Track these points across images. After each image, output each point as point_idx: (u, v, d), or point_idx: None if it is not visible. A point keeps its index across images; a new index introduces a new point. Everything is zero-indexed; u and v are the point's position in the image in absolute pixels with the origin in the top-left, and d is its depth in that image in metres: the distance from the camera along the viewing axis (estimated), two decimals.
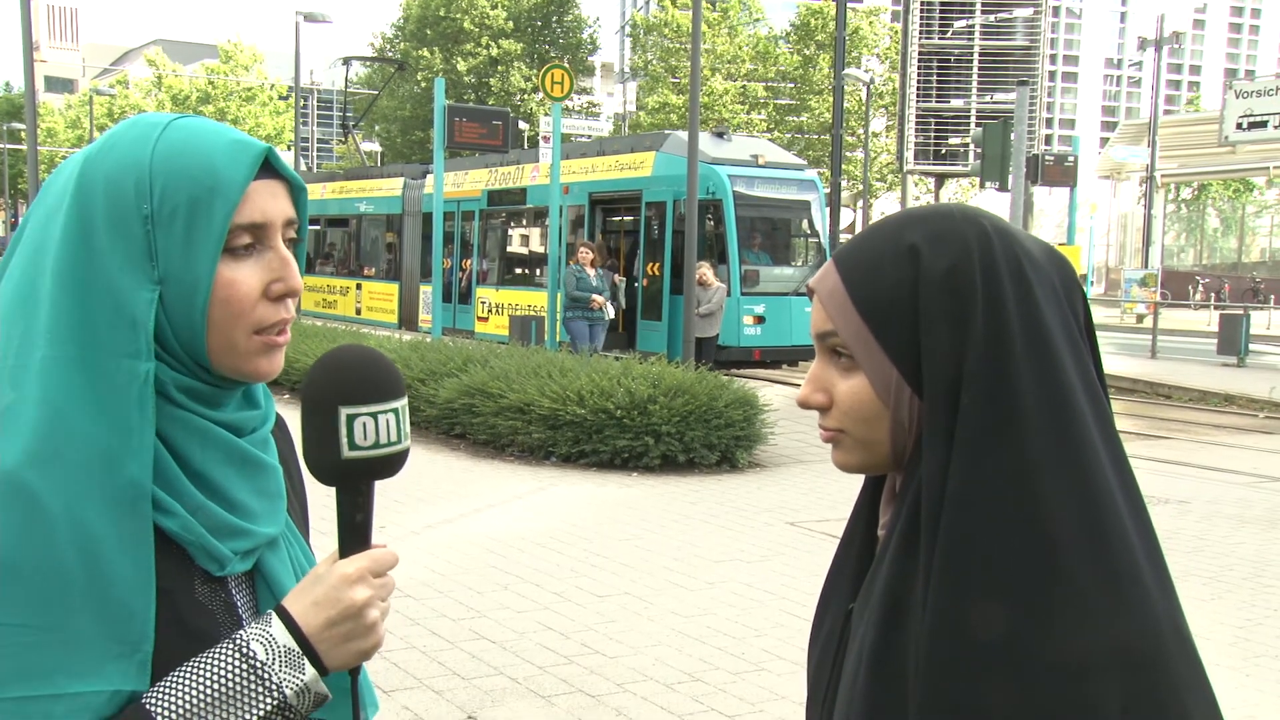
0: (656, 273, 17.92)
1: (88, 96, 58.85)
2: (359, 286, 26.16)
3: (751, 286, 17.07)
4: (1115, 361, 19.48)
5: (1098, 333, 1.09)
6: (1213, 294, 38.70)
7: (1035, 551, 0.95)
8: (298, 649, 1.08)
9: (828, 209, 19.85)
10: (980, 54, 30.94)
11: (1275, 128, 30.10)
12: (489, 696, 4.60)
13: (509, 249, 22.33)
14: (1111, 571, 0.96)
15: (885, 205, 51.30)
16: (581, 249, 15.34)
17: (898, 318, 1.02)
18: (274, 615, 1.10)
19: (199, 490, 1.11)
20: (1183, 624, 0.99)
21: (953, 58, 31.22)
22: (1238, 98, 31.04)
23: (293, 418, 1.16)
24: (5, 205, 58.17)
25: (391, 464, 1.13)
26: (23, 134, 49.52)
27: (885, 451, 1.07)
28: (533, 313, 18.57)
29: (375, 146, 54.44)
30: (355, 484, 1.14)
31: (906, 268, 1.02)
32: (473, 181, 22.80)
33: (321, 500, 1.23)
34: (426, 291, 21.41)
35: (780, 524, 7.78)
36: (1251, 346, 20.46)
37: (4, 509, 1.01)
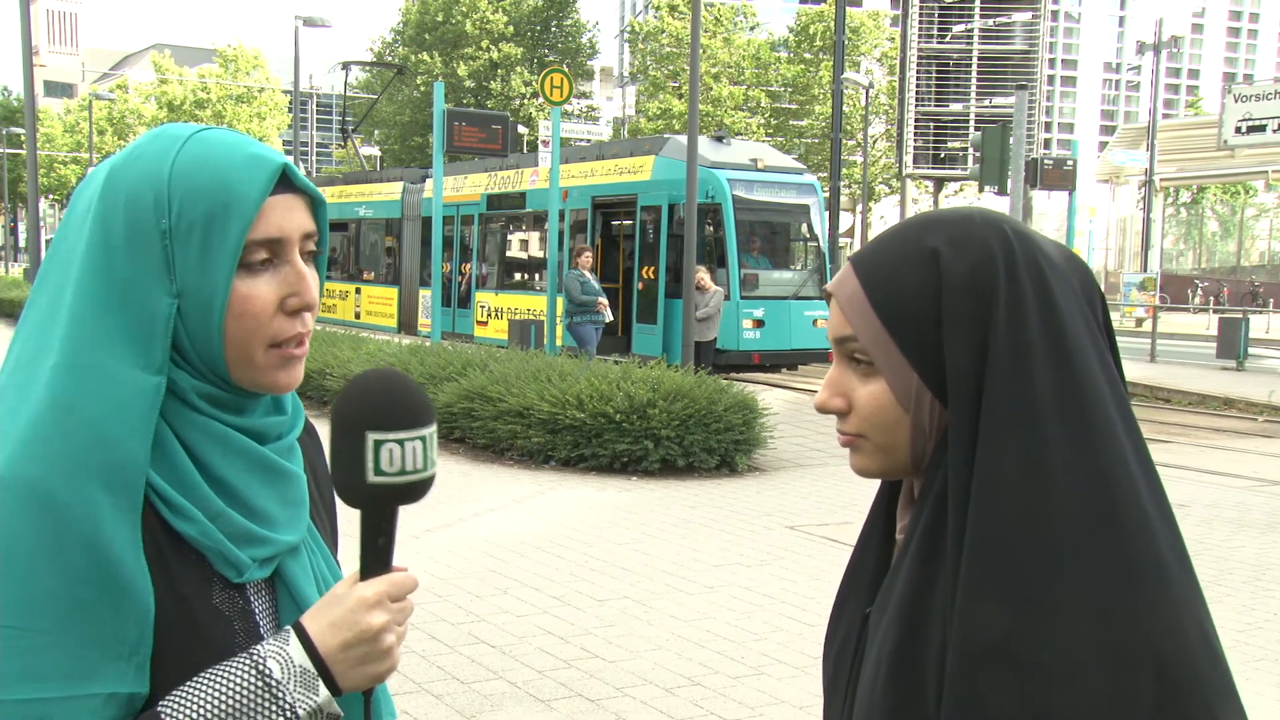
0: (653, 276, 17.94)
1: (87, 101, 58.84)
2: (358, 291, 26.18)
3: (751, 290, 17.09)
4: None
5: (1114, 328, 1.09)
6: (1211, 298, 38.70)
7: (1057, 552, 0.95)
8: (313, 669, 1.09)
9: (827, 213, 19.86)
10: (979, 58, 30.99)
11: (1274, 131, 30.11)
12: (488, 701, 4.60)
13: (508, 253, 22.34)
14: (1135, 573, 0.96)
15: (885, 209, 51.35)
16: (585, 253, 15.37)
17: (919, 322, 1.02)
18: (292, 633, 1.10)
19: (219, 496, 1.12)
20: (1209, 624, 0.99)
21: (952, 62, 31.28)
22: (1236, 102, 31.06)
23: (319, 427, 1.16)
24: (5, 210, 58.17)
25: (416, 491, 1.13)
26: (22, 138, 49.55)
27: (904, 456, 1.07)
28: (532, 317, 18.58)
29: (374, 151, 54.45)
30: (379, 508, 1.14)
31: (927, 272, 1.02)
32: (472, 186, 22.82)
33: (347, 509, 1.23)
34: (426, 296, 21.43)
35: (780, 528, 7.78)
36: (1250, 350, 20.45)
37: (7, 510, 1.02)
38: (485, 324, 21.91)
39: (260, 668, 1.08)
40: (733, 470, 9.81)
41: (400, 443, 1.11)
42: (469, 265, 22.92)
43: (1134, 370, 18.69)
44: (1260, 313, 33.47)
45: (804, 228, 18.61)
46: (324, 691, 1.09)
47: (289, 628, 1.11)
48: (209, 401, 1.13)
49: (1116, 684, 0.93)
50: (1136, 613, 0.95)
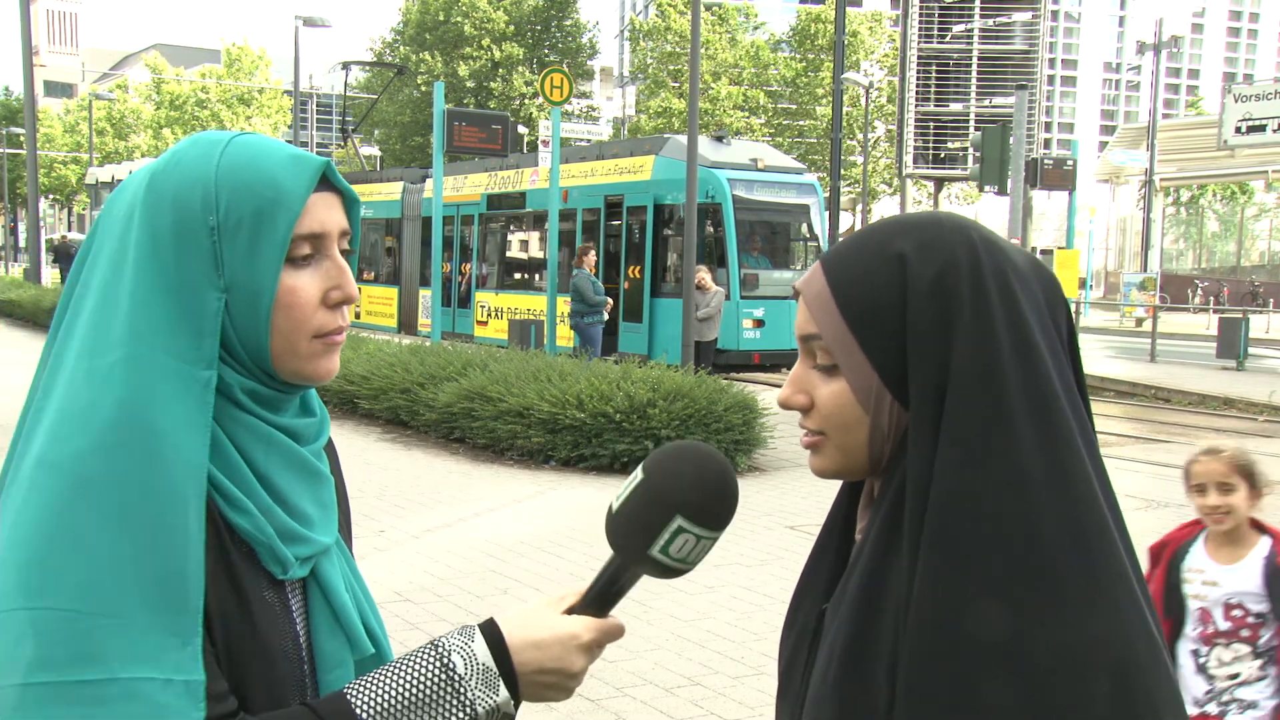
0: (655, 275, 17.97)
1: (87, 101, 58.80)
2: (358, 290, 26.20)
3: (751, 290, 17.10)
4: (1114, 365, 19.49)
5: (1097, 337, 1.10)
6: (1211, 297, 38.70)
7: (1023, 551, 0.96)
8: (496, 670, 1.12)
9: (826, 213, 19.87)
10: (979, 58, 30.99)
11: (1274, 131, 30.11)
12: None
13: (508, 253, 22.36)
14: (1095, 573, 0.97)
15: (885, 209, 51.40)
16: (591, 253, 15.36)
17: (882, 325, 1.03)
18: (477, 631, 1.14)
19: (266, 493, 1.15)
20: (1156, 626, 1.01)
21: (952, 62, 31.27)
22: (1236, 101, 31.06)
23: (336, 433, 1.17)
24: (5, 210, 58.10)
25: (674, 574, 1.16)
26: (22, 138, 49.53)
27: (863, 457, 1.08)
28: (532, 317, 18.59)
29: (374, 151, 54.43)
30: (634, 568, 1.16)
31: (893, 275, 1.03)
32: (472, 186, 22.83)
33: (357, 515, 1.22)
34: (426, 295, 21.45)
35: (780, 528, 7.78)
36: (1250, 350, 20.43)
37: (70, 497, 1.04)
38: (485, 324, 21.93)
39: (444, 660, 1.11)
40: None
41: (698, 538, 1.13)
42: (469, 265, 22.94)
43: (1134, 370, 18.71)
44: (1260, 313, 33.44)
45: (804, 227, 18.62)
46: (504, 692, 1.12)
47: (473, 625, 1.15)
48: (252, 398, 1.16)
49: (1076, 682, 0.94)
50: (1098, 614, 0.96)
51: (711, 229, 17.17)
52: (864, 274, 1.05)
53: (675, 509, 1.12)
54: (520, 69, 47.72)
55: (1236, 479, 3.06)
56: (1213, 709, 3.03)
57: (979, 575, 0.96)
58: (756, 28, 50.33)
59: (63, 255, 40.81)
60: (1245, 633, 3.03)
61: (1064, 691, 0.94)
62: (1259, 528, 3.13)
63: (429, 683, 1.10)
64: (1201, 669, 3.06)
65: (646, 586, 6.12)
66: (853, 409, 1.06)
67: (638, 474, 1.15)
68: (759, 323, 16.97)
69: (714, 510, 1.14)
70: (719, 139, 18.54)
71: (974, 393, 0.99)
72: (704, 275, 15.40)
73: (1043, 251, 39.19)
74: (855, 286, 1.05)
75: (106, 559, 1.03)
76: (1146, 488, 9.25)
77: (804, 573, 1.20)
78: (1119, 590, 0.98)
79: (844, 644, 1.02)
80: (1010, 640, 0.94)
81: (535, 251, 21.25)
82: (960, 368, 0.99)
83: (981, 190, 17.64)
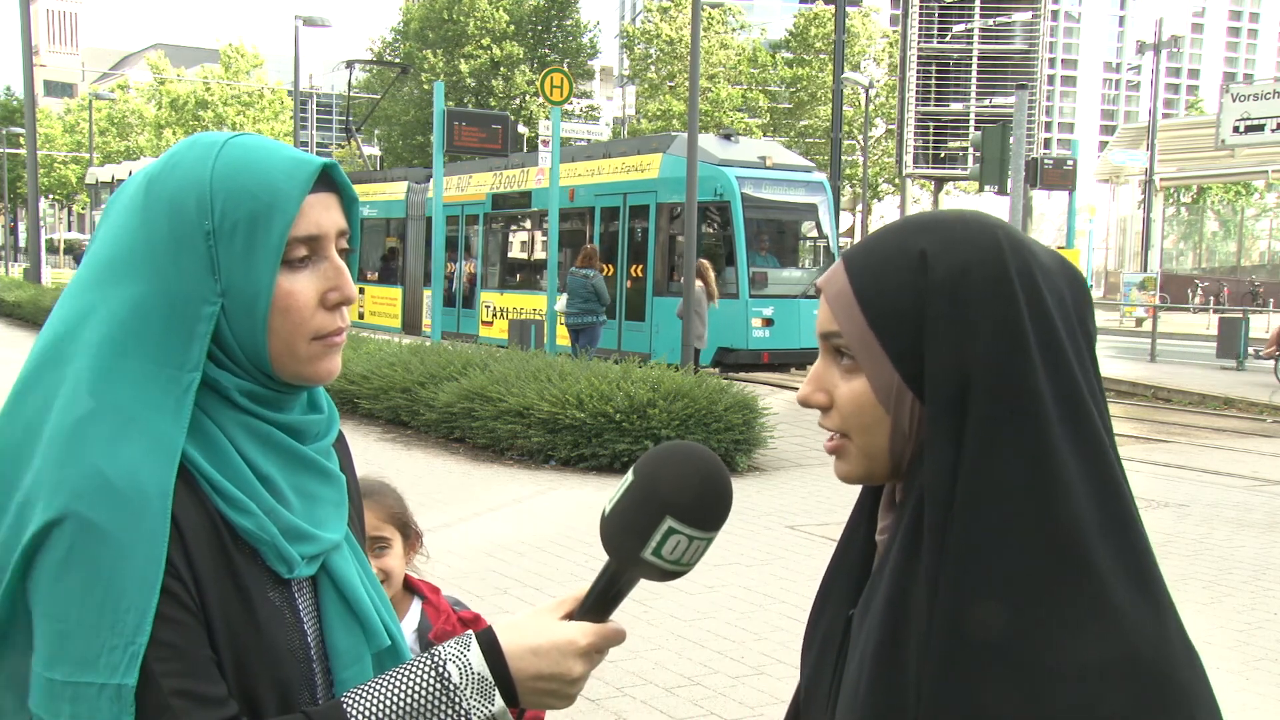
0: (666, 274, 17.96)
1: (87, 101, 58.77)
2: (361, 291, 26.18)
3: (760, 289, 17.04)
4: (1115, 365, 19.48)
5: (1097, 336, 1.09)
6: (1212, 297, 38.67)
7: (1064, 550, 0.95)
8: (491, 679, 1.12)
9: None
10: (979, 58, 30.94)
11: (1273, 131, 30.08)
12: None
13: (514, 253, 22.33)
14: (1131, 573, 0.96)
15: (886, 209, 51.38)
16: (596, 254, 15.33)
17: (902, 323, 1.02)
18: (474, 640, 1.14)
19: (269, 493, 1.15)
20: (1184, 630, 1.00)
21: (952, 62, 31.23)
22: (1235, 101, 31.02)
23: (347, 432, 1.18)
24: (5, 210, 58.08)
25: (671, 577, 1.16)
26: (22, 138, 49.51)
27: (886, 461, 1.06)
28: (535, 316, 18.58)
29: (376, 150, 54.43)
30: (629, 571, 1.16)
31: (914, 274, 1.02)
32: (476, 185, 22.80)
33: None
34: (429, 295, 21.45)
35: (779, 528, 7.78)
36: (1250, 350, 20.43)
37: (51, 499, 1.05)
38: (490, 324, 21.90)
39: (440, 670, 1.11)
40: (733, 470, 9.81)
41: (690, 539, 1.12)
42: (474, 265, 22.91)
43: (1134, 370, 18.69)
44: (1260, 312, 33.41)
45: (813, 226, 18.57)
46: (499, 702, 1.12)
47: (470, 634, 1.15)
48: (251, 399, 1.16)
49: (1105, 687, 0.93)
50: (1132, 617, 0.95)
51: (720, 227, 17.14)
52: (884, 272, 1.04)
53: (665, 510, 1.11)
54: (521, 68, 47.73)
55: (390, 530, 2.37)
56: None
57: (1010, 577, 0.95)
58: (741, 27, 50.35)
59: (80, 257, 41.29)
60: None
61: (1106, 694, 0.93)
62: (411, 589, 2.45)
63: (424, 692, 1.10)
64: None
65: (646, 586, 6.11)
66: (873, 408, 1.05)
67: (628, 476, 1.15)
68: (768, 321, 16.92)
69: (704, 511, 1.13)
70: (727, 137, 18.50)
71: (998, 395, 0.97)
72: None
73: None
74: (875, 284, 1.04)
75: (64, 567, 1.04)
76: (1147, 488, 9.25)
77: (826, 577, 1.18)
78: (1152, 590, 0.97)
79: (875, 650, 1.01)
80: (1037, 644, 0.93)
81: (541, 251, 21.25)
82: (982, 369, 0.98)
83: (981, 190, 17.61)
